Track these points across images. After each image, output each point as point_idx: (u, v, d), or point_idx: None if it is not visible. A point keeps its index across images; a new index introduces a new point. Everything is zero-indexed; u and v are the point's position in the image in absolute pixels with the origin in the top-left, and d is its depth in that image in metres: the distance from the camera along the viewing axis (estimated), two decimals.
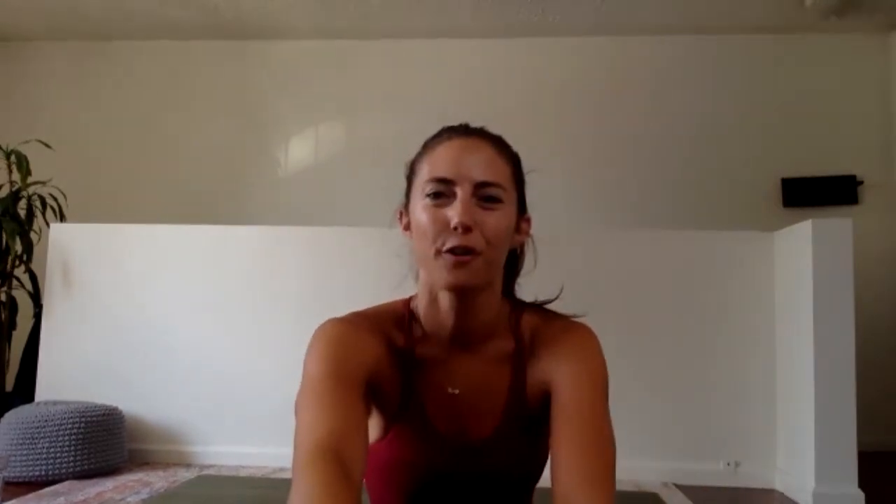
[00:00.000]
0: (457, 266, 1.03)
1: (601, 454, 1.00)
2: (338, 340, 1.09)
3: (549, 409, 1.08)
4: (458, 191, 1.05)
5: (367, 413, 1.10)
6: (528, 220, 1.17)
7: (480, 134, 1.12)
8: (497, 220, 1.06)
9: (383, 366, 1.11)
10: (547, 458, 1.10)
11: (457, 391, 1.13)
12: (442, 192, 1.06)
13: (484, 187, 1.05)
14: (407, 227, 1.13)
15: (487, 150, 1.09)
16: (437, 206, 1.05)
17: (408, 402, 1.13)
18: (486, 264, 1.06)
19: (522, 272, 1.24)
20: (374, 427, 1.16)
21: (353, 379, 1.05)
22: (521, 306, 1.20)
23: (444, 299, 1.09)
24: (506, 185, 1.08)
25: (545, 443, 1.10)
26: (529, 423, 1.13)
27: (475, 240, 1.03)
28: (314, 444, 0.97)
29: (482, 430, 1.13)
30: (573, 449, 1.00)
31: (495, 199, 1.06)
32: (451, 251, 1.03)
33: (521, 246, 1.20)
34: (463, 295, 1.08)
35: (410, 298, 1.19)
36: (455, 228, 1.03)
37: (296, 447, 0.99)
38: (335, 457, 0.94)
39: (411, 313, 1.16)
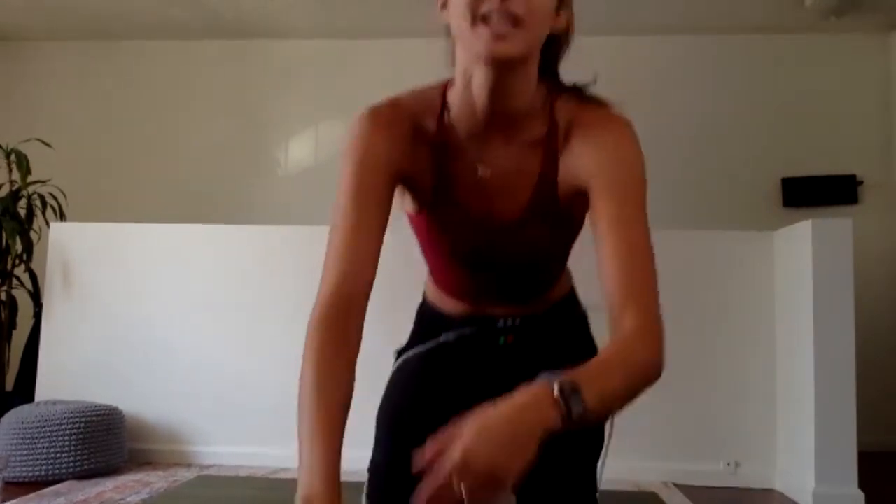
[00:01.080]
0: (497, 38, 0.99)
1: (643, 263, 1.04)
2: (366, 142, 1.14)
3: (577, 209, 1.12)
4: None
5: (390, 203, 1.15)
6: (570, 8, 1.14)
7: None
8: (540, 5, 1.02)
9: (413, 155, 1.13)
10: (569, 249, 1.23)
11: (487, 173, 1.13)
12: None
13: None
14: (444, 6, 1.08)
15: None
16: None
17: (438, 188, 1.15)
18: (525, 37, 1.01)
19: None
20: (411, 203, 1.21)
21: (377, 181, 1.11)
22: (560, 90, 1.17)
23: (480, 77, 1.06)
24: None
25: (569, 238, 1.19)
26: (555, 216, 1.15)
27: (516, 5, 0.98)
28: (325, 301, 1.06)
29: (509, 212, 1.14)
30: (617, 263, 1.03)
31: None
32: (489, 20, 0.98)
33: (566, 28, 1.16)
34: (500, 70, 1.04)
35: (447, 84, 1.16)
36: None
37: (319, 289, 1.08)
38: (338, 317, 1.05)
39: (445, 99, 1.15)
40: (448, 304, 1.32)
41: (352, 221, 1.09)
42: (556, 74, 1.20)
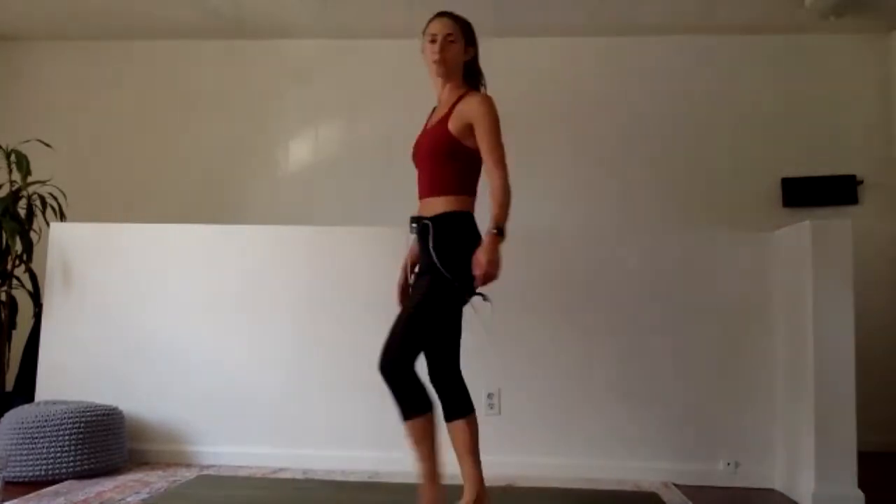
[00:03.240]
0: (437, 66, 2.48)
1: (499, 157, 2.36)
2: None
3: (463, 135, 2.40)
4: (438, 38, 2.47)
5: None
6: (473, 48, 2.53)
7: (445, 14, 2.52)
8: (453, 49, 2.47)
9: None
10: (451, 167, 2.42)
11: (437, 108, 2.56)
12: (433, 38, 2.48)
13: (447, 35, 2.47)
14: (423, 51, 2.52)
15: (449, 21, 2.50)
16: (430, 42, 2.49)
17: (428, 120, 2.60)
18: (445, 68, 2.47)
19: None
20: None
21: None
22: (472, 86, 2.54)
23: (437, 80, 2.53)
24: (455, 34, 2.48)
25: (455, 145, 2.41)
26: (448, 133, 2.41)
27: (441, 57, 2.46)
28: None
29: (436, 122, 2.48)
30: (489, 159, 2.36)
31: (452, 40, 2.47)
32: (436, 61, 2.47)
33: (473, 56, 2.54)
34: (442, 77, 2.50)
35: None
36: (436, 56, 2.48)
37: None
38: None
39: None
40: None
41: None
42: (474, 77, 2.56)
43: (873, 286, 4.25)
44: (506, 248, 3.54)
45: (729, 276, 3.41)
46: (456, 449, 2.37)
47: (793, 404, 3.10)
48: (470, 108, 2.39)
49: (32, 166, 3.96)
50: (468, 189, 2.44)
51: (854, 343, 2.89)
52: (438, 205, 2.41)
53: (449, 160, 2.40)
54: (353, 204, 4.79)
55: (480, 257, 2.24)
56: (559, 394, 3.37)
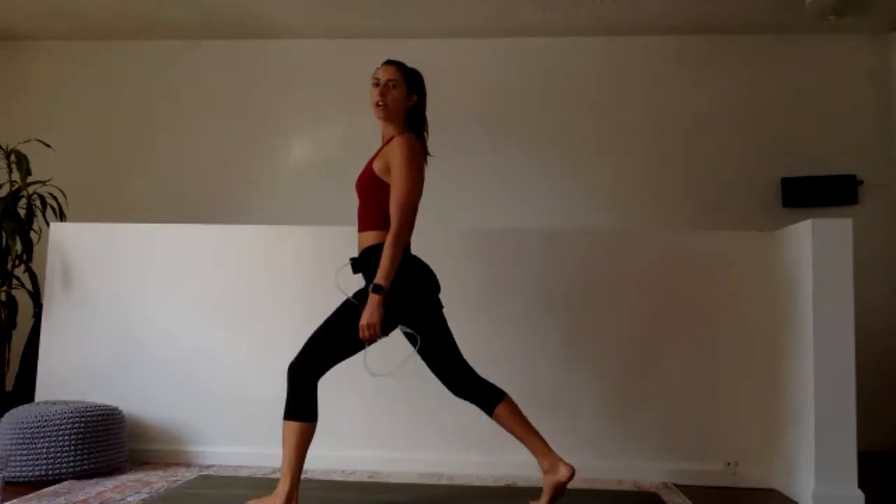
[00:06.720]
0: (377, 110, 2.62)
1: (403, 200, 2.48)
2: None
3: (385, 174, 2.54)
4: (381, 82, 2.62)
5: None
6: (416, 95, 2.66)
7: (391, 62, 2.67)
8: (394, 94, 2.61)
9: None
10: (375, 203, 2.57)
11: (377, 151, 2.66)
12: (377, 82, 2.63)
13: (388, 81, 2.61)
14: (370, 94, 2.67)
15: (392, 67, 2.65)
16: (374, 86, 2.63)
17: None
18: (386, 112, 2.60)
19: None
20: None
21: None
22: (407, 130, 2.62)
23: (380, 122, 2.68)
24: (398, 80, 2.61)
25: (376, 183, 2.56)
26: (371, 171, 2.59)
27: (383, 100, 2.59)
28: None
29: (368, 161, 2.65)
30: (393, 199, 2.50)
31: (394, 85, 2.61)
32: (377, 104, 2.62)
33: (416, 102, 2.67)
34: (383, 118, 2.63)
35: None
36: (378, 98, 2.62)
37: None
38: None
39: None
40: None
41: None
42: (418, 121, 2.67)
43: (873, 286, 4.25)
44: (508, 248, 3.55)
45: (729, 276, 3.41)
46: (515, 432, 2.58)
47: (793, 404, 3.10)
48: (391, 149, 2.53)
49: (32, 166, 3.96)
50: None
51: (854, 343, 2.89)
52: (366, 239, 2.58)
53: (373, 197, 2.56)
54: (352, 204, 4.77)
55: (361, 320, 2.41)
56: (558, 394, 3.37)
